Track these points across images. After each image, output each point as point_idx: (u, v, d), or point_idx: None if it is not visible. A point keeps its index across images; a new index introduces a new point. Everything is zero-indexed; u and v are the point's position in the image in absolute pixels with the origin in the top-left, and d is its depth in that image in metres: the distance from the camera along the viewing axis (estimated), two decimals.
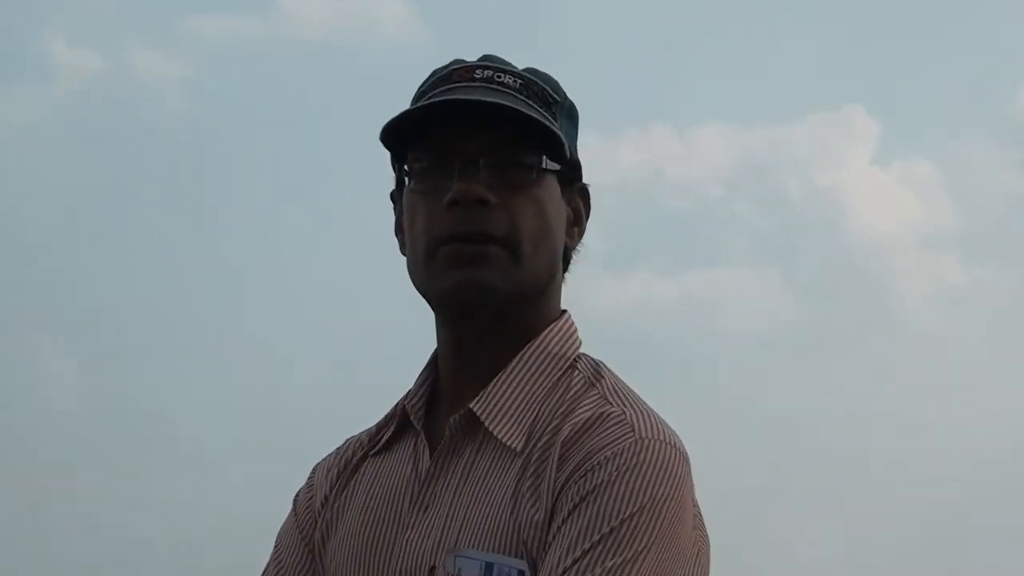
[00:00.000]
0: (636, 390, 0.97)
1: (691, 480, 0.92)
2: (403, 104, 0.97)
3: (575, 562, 0.81)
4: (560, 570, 0.81)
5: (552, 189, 0.98)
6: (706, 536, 0.97)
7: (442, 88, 0.97)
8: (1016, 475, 6.23)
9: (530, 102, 0.96)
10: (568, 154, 0.99)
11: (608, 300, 6.36)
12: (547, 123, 0.95)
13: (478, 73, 0.98)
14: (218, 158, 7.19)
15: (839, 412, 6.74)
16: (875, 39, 7.35)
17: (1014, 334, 6.94)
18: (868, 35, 7.20)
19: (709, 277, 7.36)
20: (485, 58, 1.02)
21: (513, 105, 0.94)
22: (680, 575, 0.88)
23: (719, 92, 7.43)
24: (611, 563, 0.81)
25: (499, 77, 0.98)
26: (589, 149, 1.06)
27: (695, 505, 0.94)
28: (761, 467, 6.43)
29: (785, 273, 7.62)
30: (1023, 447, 6.51)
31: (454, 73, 0.99)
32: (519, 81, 0.99)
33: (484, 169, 0.93)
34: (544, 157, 0.96)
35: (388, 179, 1.04)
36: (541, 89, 1.00)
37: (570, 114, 1.04)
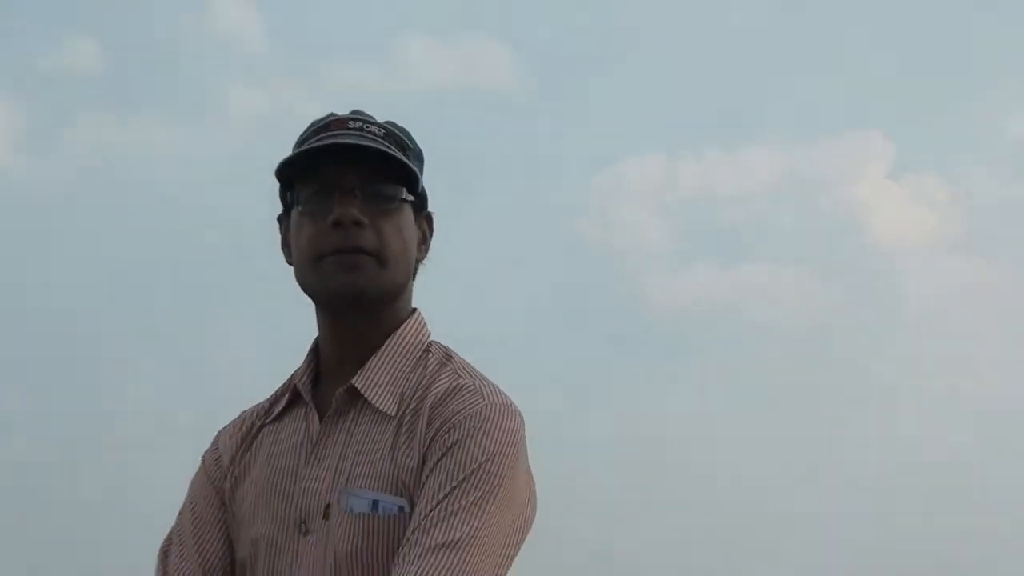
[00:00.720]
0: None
1: (524, 435, 1.19)
2: None
3: (443, 499, 1.07)
4: (431, 506, 1.07)
5: (408, 215, 1.25)
6: (533, 479, 1.22)
7: (323, 135, 1.21)
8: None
9: (391, 147, 1.21)
10: (419, 188, 1.26)
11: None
12: (406, 162, 1.21)
13: (351, 124, 1.23)
14: None
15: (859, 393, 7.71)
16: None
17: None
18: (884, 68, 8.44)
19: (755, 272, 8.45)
20: (355, 112, 1.27)
21: (380, 147, 1.19)
22: (519, 509, 1.15)
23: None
24: (469, 499, 1.07)
25: (367, 127, 1.22)
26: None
27: (526, 457, 1.20)
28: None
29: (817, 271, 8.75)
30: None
31: (332, 123, 1.23)
32: (383, 130, 1.24)
33: (359, 197, 1.18)
34: (404, 190, 1.22)
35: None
36: (399, 137, 1.25)
37: (419, 157, 1.30)
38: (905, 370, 7.99)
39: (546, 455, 1.36)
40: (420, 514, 1.09)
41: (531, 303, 7.75)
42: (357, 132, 1.21)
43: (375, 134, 1.22)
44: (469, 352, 1.31)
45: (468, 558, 1.06)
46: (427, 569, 1.04)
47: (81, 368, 6.60)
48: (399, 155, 1.21)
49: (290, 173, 1.24)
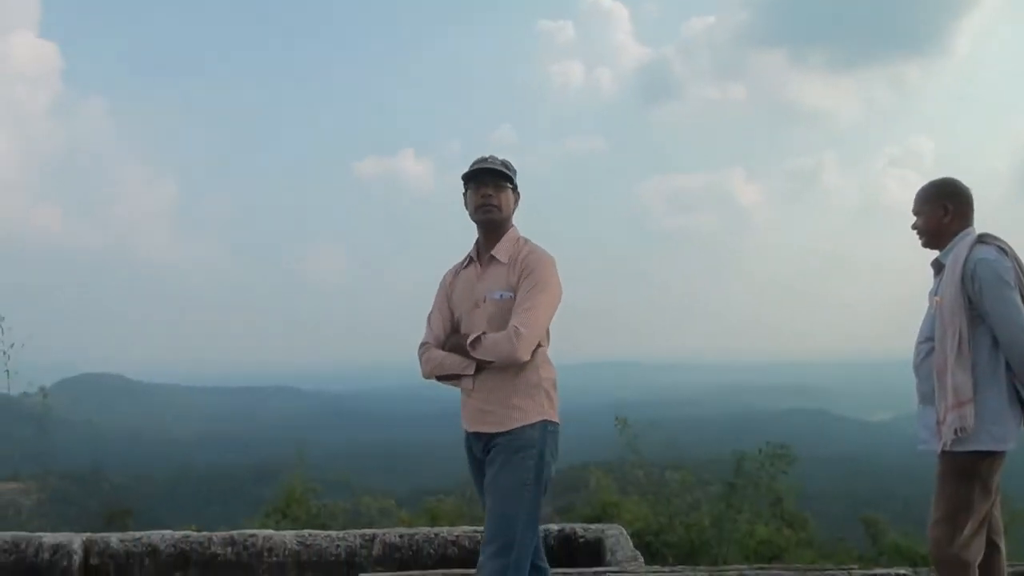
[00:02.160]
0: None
1: (555, 266, 3.64)
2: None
3: (526, 294, 3.51)
4: (522, 296, 3.52)
5: (510, 192, 3.75)
6: (560, 283, 3.64)
7: (478, 163, 3.72)
8: None
9: (503, 167, 3.70)
10: (515, 185, 3.76)
11: None
12: (508, 173, 3.71)
13: (488, 160, 3.72)
14: None
15: None
16: None
17: None
18: None
19: None
20: (492, 157, 3.73)
21: (496, 167, 3.68)
22: (556, 293, 3.59)
23: None
24: (536, 292, 3.51)
25: (493, 160, 3.71)
26: None
27: (557, 274, 3.65)
28: None
29: None
30: None
31: (481, 161, 3.71)
32: (500, 161, 3.72)
33: (490, 185, 3.68)
34: (507, 183, 3.72)
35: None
36: (506, 163, 3.73)
37: (512, 169, 3.74)
38: None
39: None
40: (519, 300, 3.52)
41: None
42: (490, 163, 3.70)
43: (497, 162, 3.71)
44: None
45: (537, 312, 3.48)
46: (521, 317, 3.45)
47: None
48: (503, 169, 3.69)
49: (467, 176, 3.73)
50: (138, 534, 6.35)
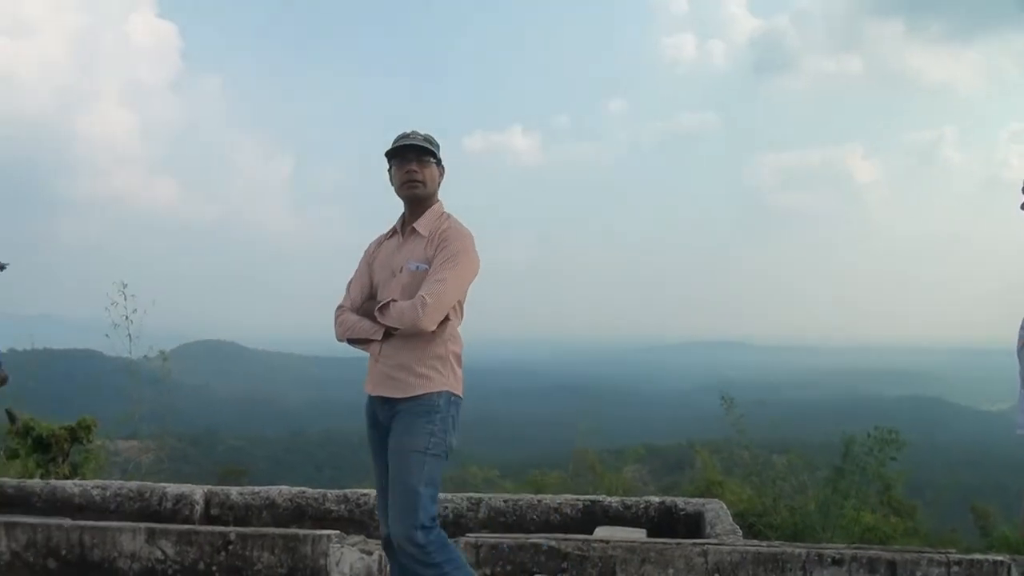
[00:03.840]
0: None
1: (472, 240, 3.81)
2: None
3: (439, 265, 3.68)
4: (435, 268, 3.69)
5: (434, 167, 3.91)
6: (478, 256, 3.83)
7: (400, 139, 3.87)
8: None
9: (426, 143, 3.85)
10: (439, 159, 3.91)
11: None
12: (428, 147, 3.85)
13: (411, 135, 3.86)
14: None
15: None
16: None
17: None
18: None
19: None
20: (414, 132, 3.88)
21: (419, 143, 3.83)
22: (470, 268, 3.77)
23: None
24: (448, 265, 3.68)
25: (415, 136, 3.85)
26: None
27: (474, 248, 3.82)
28: None
29: None
30: None
31: (404, 137, 3.87)
32: (423, 137, 3.86)
33: (414, 161, 3.83)
34: (431, 157, 3.87)
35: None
36: (428, 138, 3.88)
37: (436, 144, 3.90)
38: None
39: None
40: (431, 272, 3.68)
41: None
42: (412, 139, 3.84)
43: (419, 138, 3.85)
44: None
45: (445, 284, 3.63)
46: (430, 288, 3.61)
47: None
48: (427, 145, 3.84)
49: (390, 153, 3.87)
50: (256, 488, 6.67)
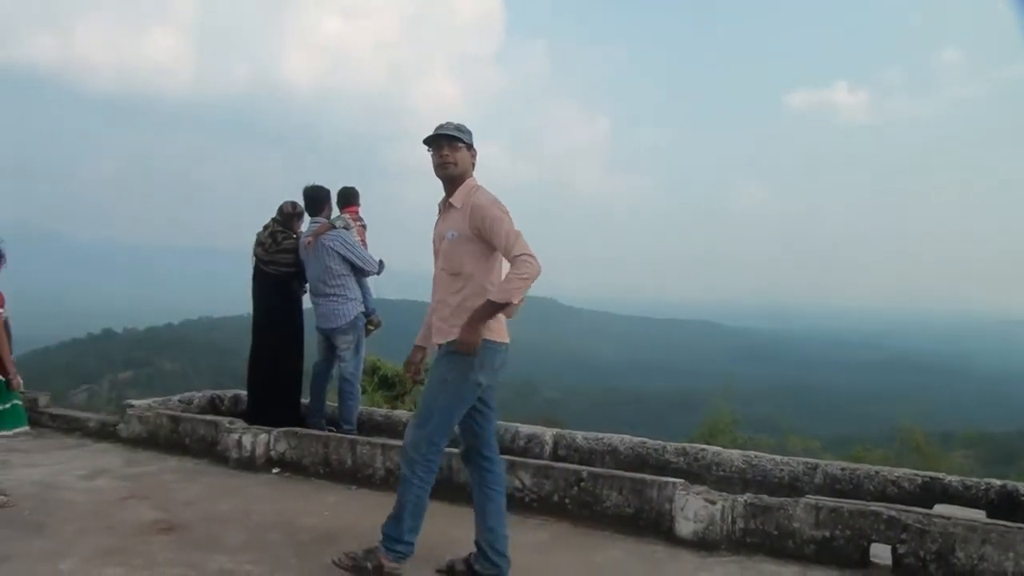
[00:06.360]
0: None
1: (497, 199, 4.33)
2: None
3: (490, 231, 4.22)
4: (489, 235, 4.24)
5: (465, 150, 4.44)
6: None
7: (436, 129, 4.41)
8: None
9: (454, 130, 4.39)
10: (469, 143, 4.46)
11: None
12: (460, 135, 4.39)
13: (444, 126, 4.41)
14: None
15: None
16: None
17: None
18: None
19: None
20: (448, 123, 4.44)
21: (449, 132, 4.38)
22: (509, 216, 4.25)
23: None
24: (495, 223, 4.21)
25: (447, 126, 4.40)
26: None
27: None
28: None
29: None
30: None
31: (439, 128, 4.40)
32: (454, 126, 4.42)
33: (445, 147, 4.38)
34: (460, 143, 4.40)
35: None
36: (458, 126, 4.43)
37: (466, 131, 4.44)
38: None
39: None
40: (493, 241, 4.22)
41: None
42: (444, 129, 4.39)
43: (451, 127, 4.40)
44: None
45: (509, 237, 4.16)
46: (506, 247, 4.18)
47: None
48: (456, 133, 4.38)
49: (427, 141, 4.41)
50: (600, 434, 7.17)
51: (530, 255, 4.11)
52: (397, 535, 4.35)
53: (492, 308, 4.16)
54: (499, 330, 4.37)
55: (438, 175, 4.44)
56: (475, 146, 4.53)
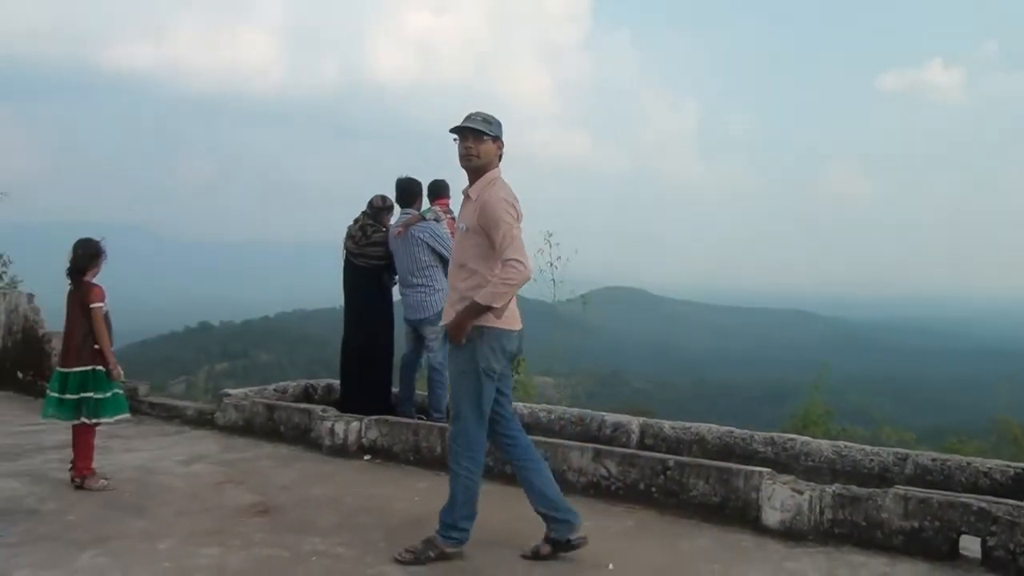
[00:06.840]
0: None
1: (512, 200, 4.46)
2: None
3: (492, 232, 4.38)
4: (491, 235, 4.39)
5: (490, 142, 4.54)
6: (519, 205, 4.50)
7: (463, 120, 4.54)
8: None
9: (480, 123, 4.52)
10: (494, 135, 4.55)
11: None
12: (485, 128, 4.52)
13: (470, 117, 4.55)
14: None
15: None
16: None
17: None
18: None
19: None
20: (476, 114, 4.57)
21: (474, 125, 4.50)
22: (512, 220, 4.38)
23: None
24: (496, 227, 4.35)
25: (473, 119, 4.53)
26: None
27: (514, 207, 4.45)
28: None
29: None
30: None
31: (466, 119, 4.53)
32: (480, 117, 4.55)
33: (469, 139, 4.50)
34: (485, 135, 4.51)
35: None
36: (486, 118, 4.55)
37: (494, 122, 4.56)
38: None
39: None
40: (494, 241, 4.37)
41: None
42: (470, 120, 4.52)
43: (476, 119, 4.53)
44: None
45: (505, 242, 4.31)
46: (502, 247, 4.33)
47: None
48: (480, 126, 4.50)
49: (454, 131, 4.54)
50: (687, 424, 7.19)
51: (519, 260, 4.28)
52: (452, 522, 4.58)
53: (478, 308, 4.34)
54: (510, 317, 4.53)
55: (462, 165, 4.59)
56: (502, 138, 4.64)
